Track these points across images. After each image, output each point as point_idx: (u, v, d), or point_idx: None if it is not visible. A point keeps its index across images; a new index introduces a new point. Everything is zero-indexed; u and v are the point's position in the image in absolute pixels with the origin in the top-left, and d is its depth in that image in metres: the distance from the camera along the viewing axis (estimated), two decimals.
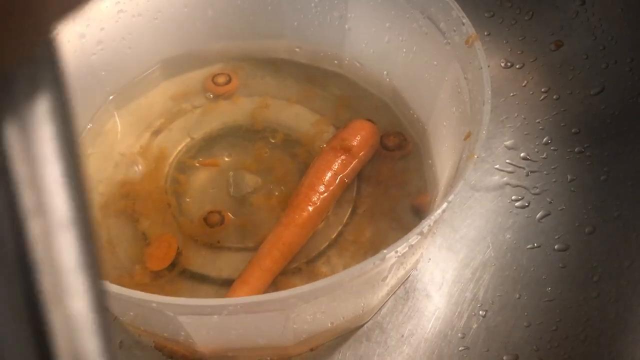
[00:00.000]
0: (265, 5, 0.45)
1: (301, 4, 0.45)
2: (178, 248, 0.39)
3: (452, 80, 0.37)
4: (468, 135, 0.33)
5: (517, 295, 0.38)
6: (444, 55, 0.37)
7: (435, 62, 0.39)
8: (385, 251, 0.26)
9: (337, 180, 0.40)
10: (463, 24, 0.35)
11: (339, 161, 0.40)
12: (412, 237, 0.27)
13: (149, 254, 0.38)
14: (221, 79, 0.47)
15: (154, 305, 0.26)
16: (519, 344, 0.36)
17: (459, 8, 0.36)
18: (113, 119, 0.45)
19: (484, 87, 0.32)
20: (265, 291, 0.36)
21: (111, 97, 0.45)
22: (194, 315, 0.28)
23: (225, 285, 0.37)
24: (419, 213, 0.40)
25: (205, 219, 0.40)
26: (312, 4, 0.44)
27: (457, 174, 0.31)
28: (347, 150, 0.40)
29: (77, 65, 0.41)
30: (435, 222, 0.29)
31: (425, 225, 0.27)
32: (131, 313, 0.32)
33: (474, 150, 0.30)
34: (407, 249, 0.28)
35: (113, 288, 0.26)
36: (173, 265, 0.38)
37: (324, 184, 0.39)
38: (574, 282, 0.38)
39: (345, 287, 0.28)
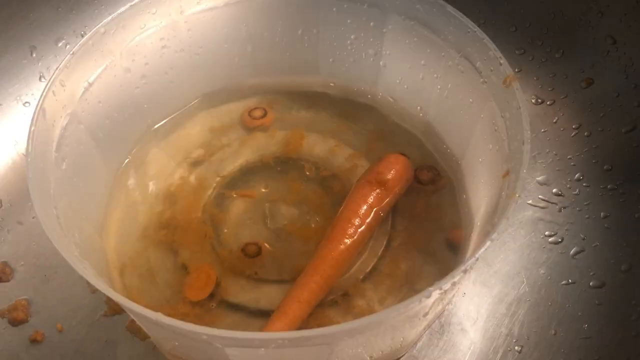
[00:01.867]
0: (302, 42, 0.47)
1: (337, 41, 0.46)
2: (217, 279, 0.39)
3: (488, 117, 0.38)
4: (507, 173, 0.34)
5: (553, 332, 0.38)
6: (480, 93, 0.38)
7: (470, 100, 0.40)
8: (431, 288, 0.27)
9: (373, 214, 0.40)
10: (500, 64, 0.36)
11: (375, 194, 0.41)
12: (457, 275, 0.27)
13: (189, 284, 0.39)
14: (257, 113, 0.48)
15: (204, 337, 0.27)
16: None
17: (496, 48, 0.37)
18: (153, 150, 0.46)
19: (522, 127, 0.33)
20: (303, 323, 0.37)
21: (153, 129, 0.46)
22: (242, 348, 0.28)
23: (263, 316, 0.38)
24: (454, 248, 0.40)
25: (243, 250, 0.41)
26: (348, 42, 0.46)
27: (498, 212, 0.32)
28: (382, 184, 0.41)
29: (122, 99, 0.42)
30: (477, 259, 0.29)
31: (469, 263, 0.28)
32: (176, 343, 0.32)
33: (515, 190, 0.31)
34: (449, 285, 0.29)
35: (164, 319, 0.27)
36: (212, 295, 0.39)
37: (359, 217, 0.40)
38: (611, 320, 0.38)
39: (390, 322, 0.29)
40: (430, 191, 0.43)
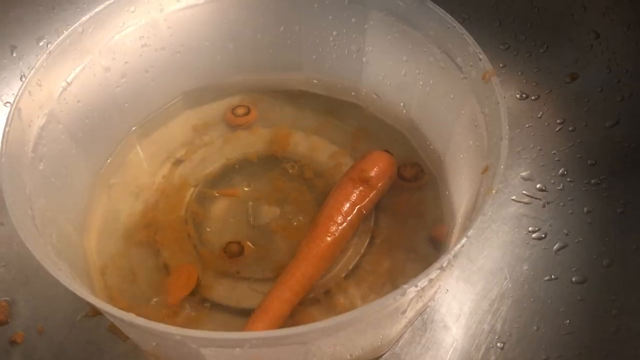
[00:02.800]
0: (284, 39, 0.46)
1: (319, 37, 0.46)
2: (198, 278, 0.39)
3: (469, 113, 0.38)
4: (486, 169, 0.33)
5: (535, 328, 0.38)
6: (460, 89, 0.38)
7: (452, 96, 0.40)
8: (405, 286, 0.26)
9: (355, 211, 0.40)
10: (480, 60, 0.36)
11: (357, 192, 0.41)
12: (433, 272, 0.27)
13: (170, 283, 0.39)
14: (240, 111, 0.48)
15: (178, 337, 0.26)
16: None
17: (476, 44, 0.36)
18: (135, 150, 0.45)
19: (501, 123, 0.33)
20: (284, 321, 0.37)
21: (134, 128, 0.46)
22: (216, 348, 0.28)
23: (244, 314, 0.38)
24: (437, 244, 0.40)
25: (224, 249, 0.40)
26: (331, 38, 0.45)
27: (475, 208, 0.32)
28: (365, 181, 0.41)
29: (102, 98, 0.42)
30: (454, 256, 0.29)
31: (445, 260, 0.28)
32: (153, 343, 0.32)
33: (492, 185, 0.30)
34: (426, 283, 0.28)
35: (137, 320, 0.27)
36: (193, 294, 0.39)
37: (342, 215, 0.40)
38: (592, 315, 0.38)
39: (365, 320, 0.28)
40: (413, 188, 0.43)
